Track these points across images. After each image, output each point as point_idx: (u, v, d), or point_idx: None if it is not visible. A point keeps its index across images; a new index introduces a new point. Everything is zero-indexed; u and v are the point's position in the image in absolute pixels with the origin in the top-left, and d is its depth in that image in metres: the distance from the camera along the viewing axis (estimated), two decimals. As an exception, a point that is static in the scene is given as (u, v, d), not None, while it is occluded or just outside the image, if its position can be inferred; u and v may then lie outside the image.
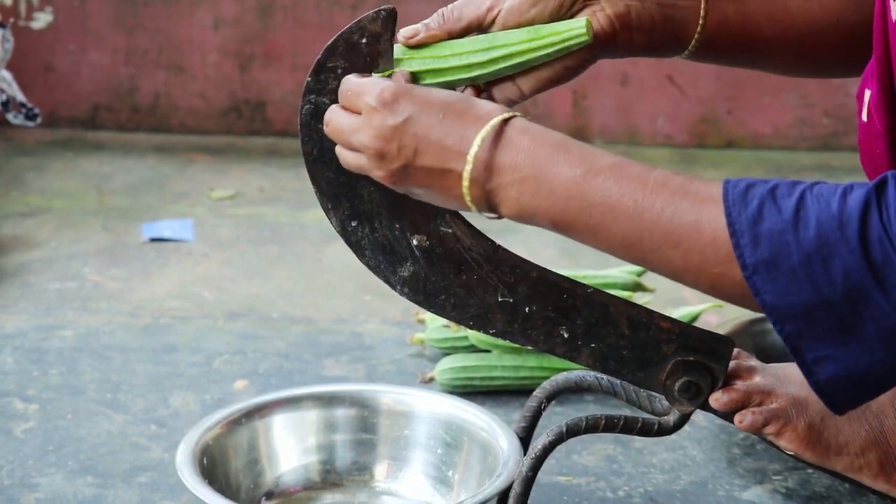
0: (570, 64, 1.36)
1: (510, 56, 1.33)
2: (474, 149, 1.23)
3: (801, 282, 1.15)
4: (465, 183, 1.24)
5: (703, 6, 1.41)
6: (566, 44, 1.33)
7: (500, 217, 1.27)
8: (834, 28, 1.45)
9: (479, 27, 1.36)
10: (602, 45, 1.37)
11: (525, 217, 1.24)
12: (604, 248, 1.24)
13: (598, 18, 1.37)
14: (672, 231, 1.19)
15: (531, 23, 1.35)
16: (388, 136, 1.24)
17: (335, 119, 1.29)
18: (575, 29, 1.33)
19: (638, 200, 1.20)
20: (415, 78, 1.32)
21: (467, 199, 1.25)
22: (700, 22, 1.41)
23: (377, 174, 1.27)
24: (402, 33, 1.33)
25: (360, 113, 1.26)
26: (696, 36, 1.42)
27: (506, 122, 1.24)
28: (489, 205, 1.25)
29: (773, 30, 1.45)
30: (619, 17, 1.38)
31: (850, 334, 1.16)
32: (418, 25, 1.34)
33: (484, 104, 1.26)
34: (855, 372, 1.18)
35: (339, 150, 1.30)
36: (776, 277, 1.15)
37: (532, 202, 1.23)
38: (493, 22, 1.36)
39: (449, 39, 1.34)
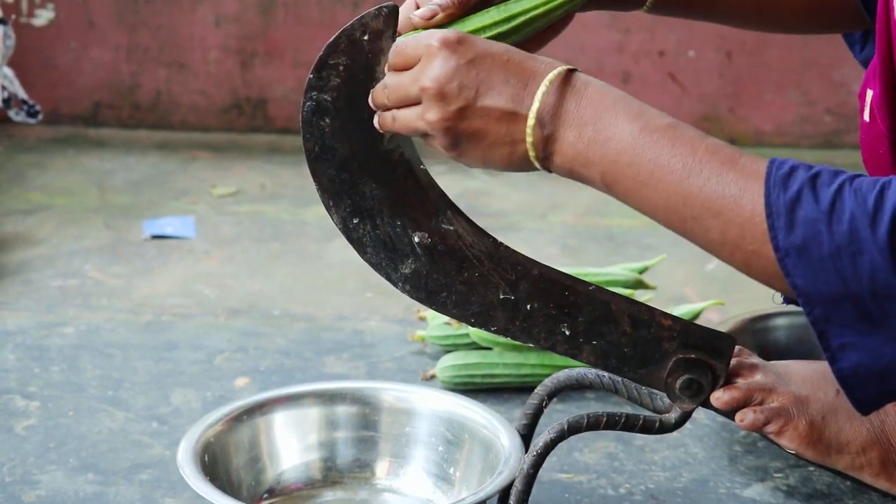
0: (550, 30, 1.38)
1: (532, 21, 1.33)
2: (542, 88, 1.23)
3: (830, 272, 1.16)
4: (531, 123, 1.23)
5: None
6: (570, 4, 1.35)
7: (549, 169, 1.26)
8: None
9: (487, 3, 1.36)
10: None
11: (577, 166, 1.24)
12: (646, 209, 1.24)
13: None
14: (715, 201, 1.20)
15: None
16: (450, 75, 1.24)
17: (393, 79, 1.27)
18: None
19: (687, 164, 1.21)
20: None
21: (529, 140, 1.24)
22: None
23: (432, 117, 1.25)
24: (420, 14, 1.32)
25: (416, 64, 1.26)
26: None
27: (570, 72, 1.25)
28: (546, 151, 1.25)
29: None
30: None
31: (876, 326, 1.17)
32: (433, 6, 1.34)
33: (544, 58, 1.27)
34: (878, 363, 1.18)
35: (393, 116, 1.28)
36: (807, 264, 1.16)
37: (587, 150, 1.23)
38: None
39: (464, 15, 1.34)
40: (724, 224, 1.20)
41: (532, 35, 1.36)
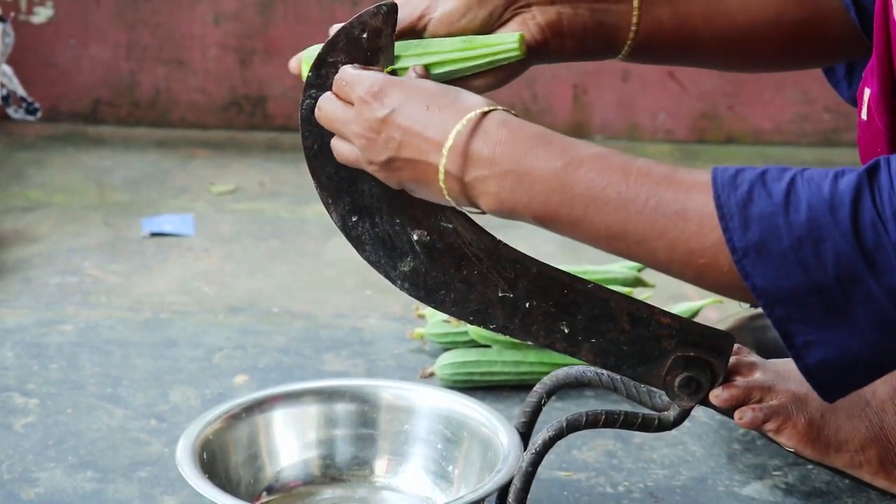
0: (501, 75, 1.35)
1: (442, 64, 1.32)
2: (450, 141, 1.22)
3: (792, 265, 1.14)
4: (440, 176, 1.23)
5: (635, 12, 1.39)
6: (497, 57, 1.33)
7: (482, 212, 1.26)
8: (774, 26, 1.44)
9: (412, 33, 1.35)
10: (534, 52, 1.36)
11: (506, 211, 1.23)
12: (588, 241, 1.22)
13: (530, 27, 1.35)
14: (657, 221, 1.18)
15: (462, 32, 1.34)
16: (376, 127, 1.24)
17: (328, 107, 1.28)
18: (508, 44, 1.33)
19: (621, 191, 1.18)
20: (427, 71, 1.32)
21: (444, 192, 1.24)
22: (633, 28, 1.40)
23: (368, 167, 1.27)
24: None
25: (352, 104, 1.26)
26: (628, 42, 1.41)
27: (485, 114, 1.23)
28: (468, 199, 1.24)
29: (710, 31, 1.43)
30: (551, 25, 1.36)
31: (841, 318, 1.15)
32: None
33: (470, 96, 1.25)
34: (844, 356, 1.17)
35: (333, 141, 1.30)
36: (766, 261, 1.14)
37: (512, 196, 1.22)
38: (424, 28, 1.35)
39: None
40: (669, 243, 1.18)
41: (456, 78, 1.33)
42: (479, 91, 1.32)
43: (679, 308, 1.85)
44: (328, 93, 1.29)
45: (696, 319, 1.65)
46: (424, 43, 1.33)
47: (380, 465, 1.53)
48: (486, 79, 1.35)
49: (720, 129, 2.96)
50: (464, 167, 1.22)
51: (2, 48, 2.53)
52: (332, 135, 1.31)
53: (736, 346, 1.38)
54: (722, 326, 1.68)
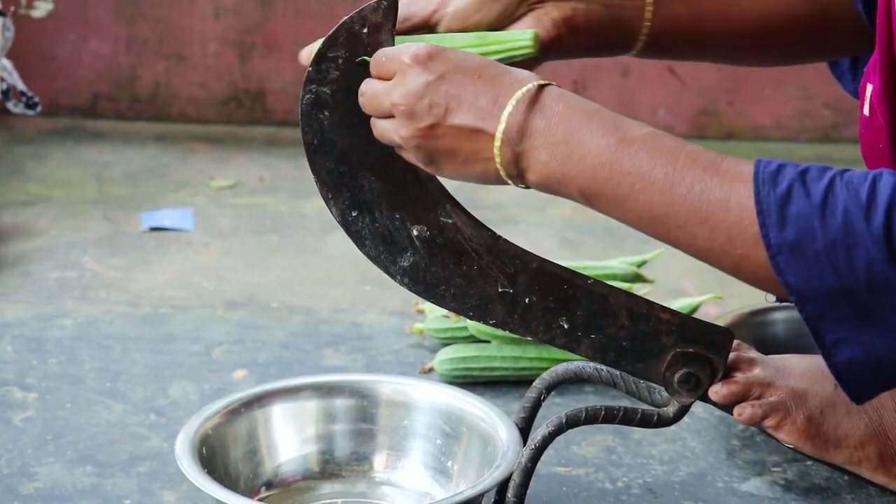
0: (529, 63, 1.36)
1: None
2: (508, 108, 1.22)
3: (825, 267, 1.15)
4: (497, 143, 1.23)
5: (649, 8, 1.40)
6: (511, 54, 1.34)
7: (525, 186, 1.26)
8: (784, 20, 1.45)
9: (426, 28, 1.35)
10: (547, 48, 1.37)
11: (552, 183, 1.23)
12: (629, 221, 1.23)
13: (544, 23, 1.36)
14: (699, 208, 1.19)
15: (475, 27, 1.35)
16: (420, 92, 1.23)
17: (369, 88, 1.28)
18: (521, 40, 1.33)
19: (668, 174, 1.19)
20: None
21: (497, 160, 1.23)
22: (646, 23, 1.40)
23: (404, 133, 1.25)
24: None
25: (392, 77, 1.26)
26: (642, 36, 1.41)
27: (542, 87, 1.23)
28: (518, 169, 1.24)
29: (723, 26, 1.44)
30: (566, 20, 1.37)
31: (870, 321, 1.16)
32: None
33: (520, 71, 1.25)
34: (873, 357, 1.18)
35: (374, 120, 1.29)
36: (800, 260, 1.15)
37: (562, 168, 1.22)
38: (437, 23, 1.35)
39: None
40: (710, 230, 1.19)
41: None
42: None
43: (678, 304, 1.85)
44: (364, 83, 1.29)
45: (696, 315, 1.65)
46: (438, 38, 1.33)
47: (379, 461, 1.53)
48: None
49: (720, 125, 2.96)
50: (519, 137, 1.22)
51: (2, 42, 2.52)
52: (331, 130, 1.31)
53: (735, 342, 1.38)
54: (721, 322, 1.68)
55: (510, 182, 1.26)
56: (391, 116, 1.26)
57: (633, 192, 1.20)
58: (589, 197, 1.22)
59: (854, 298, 1.16)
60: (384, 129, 1.27)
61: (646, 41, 1.41)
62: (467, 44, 1.33)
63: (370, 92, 1.27)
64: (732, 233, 1.18)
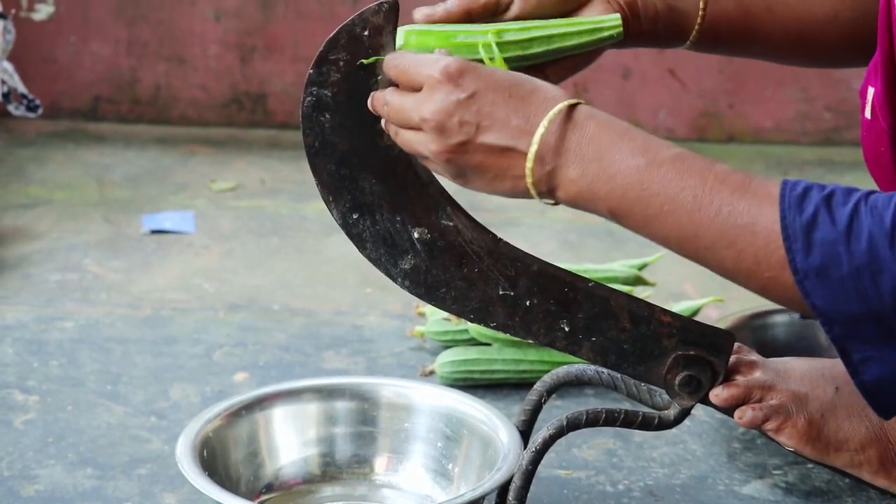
0: (574, 64, 1.40)
1: (546, 39, 1.34)
2: (541, 129, 1.23)
3: (850, 292, 1.16)
4: (530, 164, 1.23)
5: (701, 1, 1.43)
6: (601, 35, 1.37)
7: (555, 203, 1.26)
8: (831, 23, 1.47)
9: (496, 11, 1.36)
10: None
11: (582, 201, 1.24)
12: (658, 240, 1.24)
13: (612, 8, 1.39)
14: (727, 231, 1.20)
15: (546, 13, 1.36)
16: (451, 110, 1.23)
17: (395, 99, 1.27)
18: (609, 21, 1.37)
19: (697, 195, 1.20)
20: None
21: (529, 179, 1.24)
22: (700, 14, 1.43)
23: (434, 148, 1.25)
24: (421, 11, 1.33)
25: (418, 89, 1.26)
26: (696, 27, 1.43)
27: (573, 107, 1.24)
28: (548, 186, 1.24)
29: (771, 22, 1.46)
30: (629, 5, 1.41)
31: None
32: (436, 6, 1.34)
33: (550, 88, 1.26)
34: None
35: (395, 130, 1.29)
36: (826, 284, 1.17)
37: (591, 186, 1.23)
38: (507, 8, 1.36)
39: (459, 22, 1.34)
40: (738, 253, 1.20)
41: (555, 59, 1.37)
42: (570, 73, 1.37)
43: (679, 307, 1.85)
44: (388, 88, 1.29)
45: (697, 318, 1.65)
46: (531, 24, 1.34)
47: (380, 463, 1.53)
48: (576, 60, 1.38)
49: (721, 128, 2.96)
50: (551, 156, 1.23)
51: (3, 45, 2.52)
52: (332, 133, 1.31)
53: (736, 344, 1.38)
54: (722, 325, 1.68)
55: (538, 198, 1.26)
56: (417, 128, 1.26)
57: (662, 213, 1.21)
58: (618, 216, 1.23)
59: (880, 321, 1.17)
60: (411, 141, 1.27)
61: (699, 32, 1.43)
62: (558, 24, 1.35)
63: (396, 104, 1.27)
64: (759, 256, 1.19)
